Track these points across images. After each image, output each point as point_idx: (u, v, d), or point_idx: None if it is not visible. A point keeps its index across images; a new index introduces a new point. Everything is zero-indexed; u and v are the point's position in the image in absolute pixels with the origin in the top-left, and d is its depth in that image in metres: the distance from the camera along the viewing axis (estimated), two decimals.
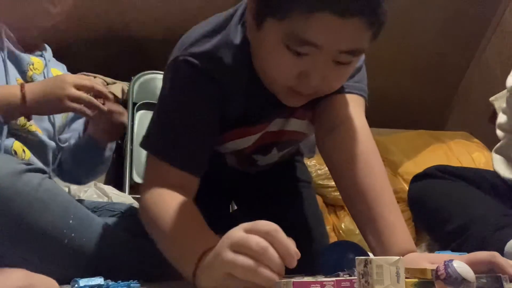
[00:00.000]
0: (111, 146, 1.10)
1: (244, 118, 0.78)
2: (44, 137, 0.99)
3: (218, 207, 1.09)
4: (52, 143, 1.01)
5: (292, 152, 1.03)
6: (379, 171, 0.69)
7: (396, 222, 0.64)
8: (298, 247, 0.51)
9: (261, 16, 0.64)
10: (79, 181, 1.19)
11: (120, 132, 1.06)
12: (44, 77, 1.03)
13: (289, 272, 0.51)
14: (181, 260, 0.62)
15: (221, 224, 0.60)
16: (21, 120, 0.92)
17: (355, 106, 0.76)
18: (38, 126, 0.98)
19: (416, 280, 0.49)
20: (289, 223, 0.59)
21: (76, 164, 1.08)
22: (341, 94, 0.76)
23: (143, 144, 0.76)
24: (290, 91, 0.68)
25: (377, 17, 0.60)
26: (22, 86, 0.85)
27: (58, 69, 1.12)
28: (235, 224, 0.54)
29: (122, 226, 0.89)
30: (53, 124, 1.02)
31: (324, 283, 0.48)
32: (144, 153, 1.85)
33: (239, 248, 0.50)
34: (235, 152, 0.87)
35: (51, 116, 1.01)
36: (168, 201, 0.66)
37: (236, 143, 0.83)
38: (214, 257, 0.53)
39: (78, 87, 0.87)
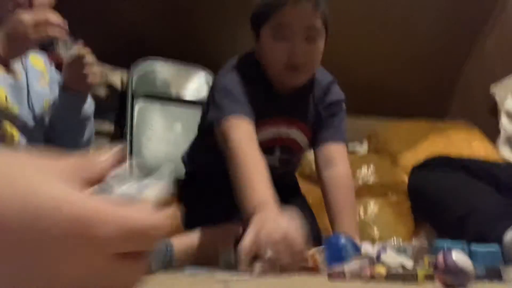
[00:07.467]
0: (90, 102, 1.13)
1: (257, 111, 1.07)
2: (28, 120, 1.04)
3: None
4: (35, 125, 1.05)
5: (292, 169, 1.34)
6: (351, 200, 1.11)
7: (346, 223, 1.05)
8: None
9: (257, 26, 1.08)
10: (66, 145, 1.17)
11: (89, 83, 1.07)
12: (22, 63, 1.06)
13: None
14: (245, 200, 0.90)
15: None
16: (2, 102, 0.96)
17: (344, 152, 1.16)
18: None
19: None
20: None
21: (59, 122, 1.10)
22: (338, 143, 1.15)
23: (215, 117, 1.05)
24: (286, 68, 1.05)
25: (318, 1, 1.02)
26: None
27: (37, 56, 1.13)
28: None
29: None
30: (32, 110, 1.06)
31: None
32: (143, 145, 1.86)
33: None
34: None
35: (29, 102, 1.05)
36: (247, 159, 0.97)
37: (262, 133, 1.11)
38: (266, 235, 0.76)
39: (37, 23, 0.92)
